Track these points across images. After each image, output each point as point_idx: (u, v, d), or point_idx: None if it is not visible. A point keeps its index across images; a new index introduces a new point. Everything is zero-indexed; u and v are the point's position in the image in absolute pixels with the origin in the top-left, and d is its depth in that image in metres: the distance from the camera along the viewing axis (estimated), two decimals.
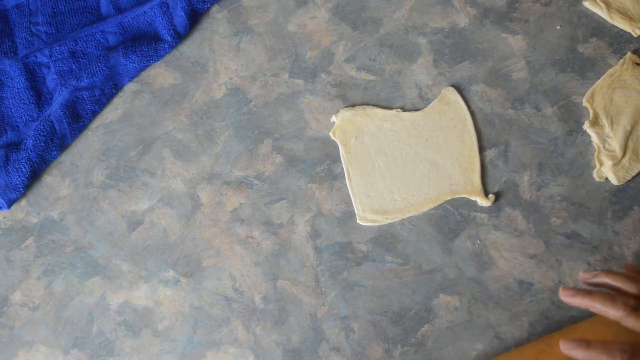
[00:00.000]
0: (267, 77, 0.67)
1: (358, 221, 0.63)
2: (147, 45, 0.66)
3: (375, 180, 0.63)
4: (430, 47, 0.66)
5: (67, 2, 0.69)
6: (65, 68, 0.67)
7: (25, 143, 0.65)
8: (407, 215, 0.63)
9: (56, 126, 0.65)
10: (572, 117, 0.65)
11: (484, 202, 0.62)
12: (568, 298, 0.47)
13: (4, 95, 0.67)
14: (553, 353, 0.56)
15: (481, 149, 0.64)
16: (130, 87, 0.67)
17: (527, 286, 0.61)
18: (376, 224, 0.63)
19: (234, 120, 0.66)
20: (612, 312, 0.45)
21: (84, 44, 0.67)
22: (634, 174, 0.62)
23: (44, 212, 0.65)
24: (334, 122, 0.65)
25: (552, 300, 0.61)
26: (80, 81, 0.66)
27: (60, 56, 0.67)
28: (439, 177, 0.63)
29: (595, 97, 0.64)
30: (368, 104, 0.66)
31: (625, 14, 0.66)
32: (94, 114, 0.66)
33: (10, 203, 0.64)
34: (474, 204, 0.63)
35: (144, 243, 0.64)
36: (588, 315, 0.59)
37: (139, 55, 0.66)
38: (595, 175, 0.63)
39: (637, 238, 0.62)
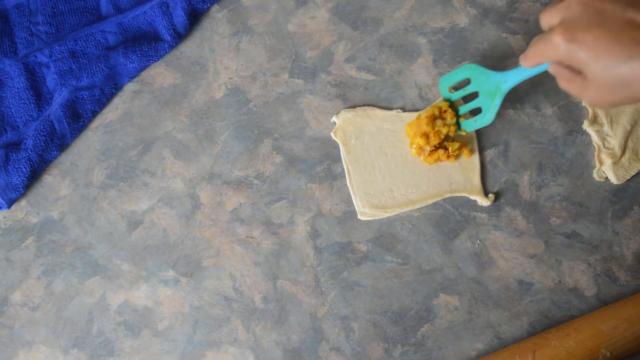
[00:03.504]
0: (267, 77, 0.67)
1: (359, 217, 0.63)
2: (147, 45, 0.66)
3: (376, 180, 0.63)
4: (430, 47, 0.66)
5: (67, 2, 0.69)
6: (65, 68, 0.67)
7: (25, 143, 0.65)
8: (407, 209, 0.63)
9: (56, 126, 0.65)
10: (572, 117, 0.65)
11: (483, 201, 0.63)
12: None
13: (4, 95, 0.67)
14: (550, 346, 0.57)
15: (481, 149, 0.64)
16: (130, 87, 0.67)
17: (527, 286, 0.61)
18: (376, 218, 0.63)
19: (234, 120, 0.66)
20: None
21: (84, 44, 0.67)
22: (633, 173, 0.63)
23: (44, 212, 0.65)
24: (334, 123, 0.65)
25: (552, 300, 0.61)
26: (80, 81, 0.66)
27: (60, 56, 0.67)
28: (439, 176, 0.63)
29: None
30: (368, 105, 0.66)
31: None
32: (94, 113, 0.66)
33: (10, 203, 0.64)
34: (474, 203, 0.63)
35: (144, 243, 0.64)
36: (588, 312, 0.59)
37: (139, 55, 0.66)
38: (595, 175, 0.63)
39: (637, 238, 0.62)
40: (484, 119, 0.61)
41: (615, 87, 0.44)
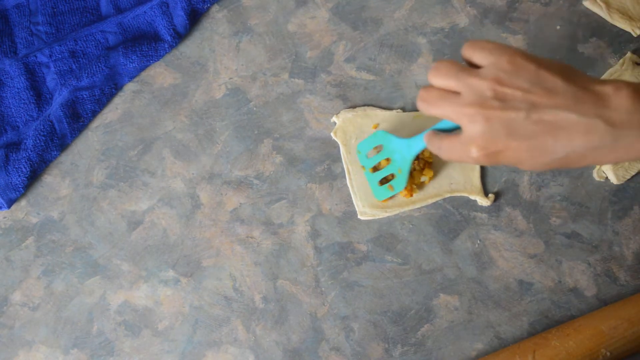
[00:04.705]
0: (267, 77, 0.67)
1: (359, 216, 0.63)
2: (147, 45, 0.66)
3: None
4: (430, 47, 0.66)
5: (67, 2, 0.69)
6: (65, 68, 0.67)
7: (25, 143, 0.65)
8: (407, 209, 0.63)
9: (56, 126, 0.65)
10: None
11: (483, 201, 0.63)
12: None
13: (4, 95, 0.67)
14: (550, 346, 0.57)
15: None
16: (130, 87, 0.67)
17: (527, 286, 0.61)
18: (376, 218, 0.63)
19: (234, 120, 0.66)
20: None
21: (84, 44, 0.67)
22: (633, 173, 0.63)
23: (44, 212, 0.65)
24: (334, 123, 0.65)
25: (552, 300, 0.61)
26: (80, 81, 0.66)
27: (60, 56, 0.67)
28: (439, 176, 0.63)
29: None
30: (368, 105, 0.66)
31: (625, 14, 0.66)
32: (94, 113, 0.66)
33: (10, 203, 0.64)
34: (474, 203, 0.63)
35: (144, 243, 0.64)
36: (588, 312, 0.59)
37: (139, 55, 0.66)
38: (595, 175, 0.63)
39: (637, 238, 0.62)
40: (398, 185, 0.60)
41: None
